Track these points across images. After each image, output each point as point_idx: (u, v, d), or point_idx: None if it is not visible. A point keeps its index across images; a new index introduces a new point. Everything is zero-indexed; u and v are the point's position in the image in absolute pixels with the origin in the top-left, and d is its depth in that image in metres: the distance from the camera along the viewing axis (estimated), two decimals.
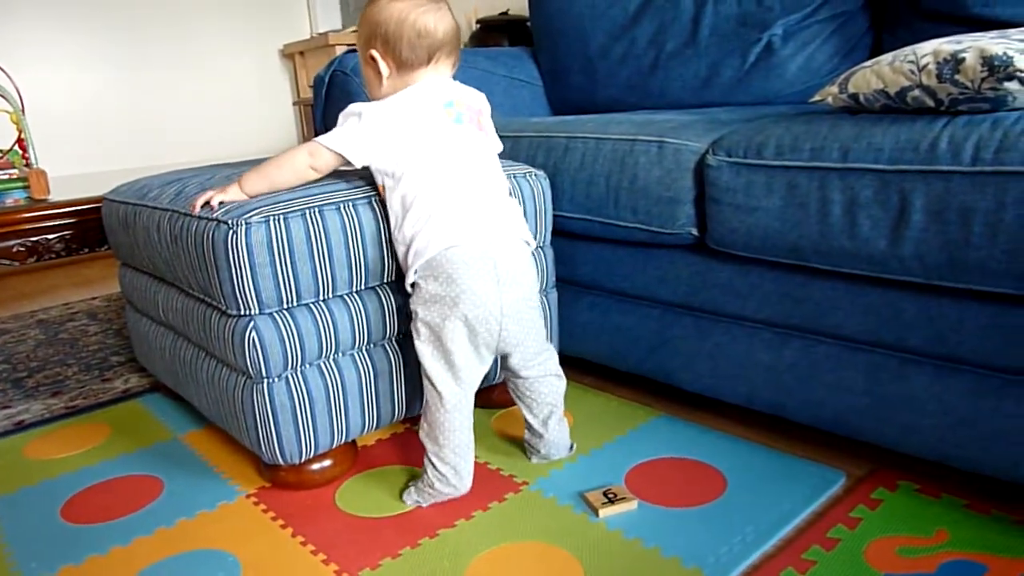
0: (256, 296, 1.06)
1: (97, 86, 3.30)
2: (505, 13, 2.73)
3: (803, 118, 1.15)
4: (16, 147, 1.77)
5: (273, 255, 1.05)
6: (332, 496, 1.19)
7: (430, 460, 1.12)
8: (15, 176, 1.86)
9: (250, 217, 1.04)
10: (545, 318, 1.40)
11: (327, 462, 1.20)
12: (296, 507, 1.16)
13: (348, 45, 3.51)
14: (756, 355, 1.23)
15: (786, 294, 1.16)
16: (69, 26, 3.21)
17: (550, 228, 1.39)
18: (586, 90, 2.07)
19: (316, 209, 1.09)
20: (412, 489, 1.16)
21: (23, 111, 1.70)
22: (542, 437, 1.22)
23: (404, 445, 1.34)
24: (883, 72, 1.04)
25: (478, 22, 2.77)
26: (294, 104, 3.92)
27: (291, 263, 1.06)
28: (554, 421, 1.22)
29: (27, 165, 1.77)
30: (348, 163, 1.11)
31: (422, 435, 1.13)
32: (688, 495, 1.13)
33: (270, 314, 1.08)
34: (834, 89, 1.11)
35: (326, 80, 1.96)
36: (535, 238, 1.36)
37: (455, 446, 1.10)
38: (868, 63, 1.07)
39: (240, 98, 3.70)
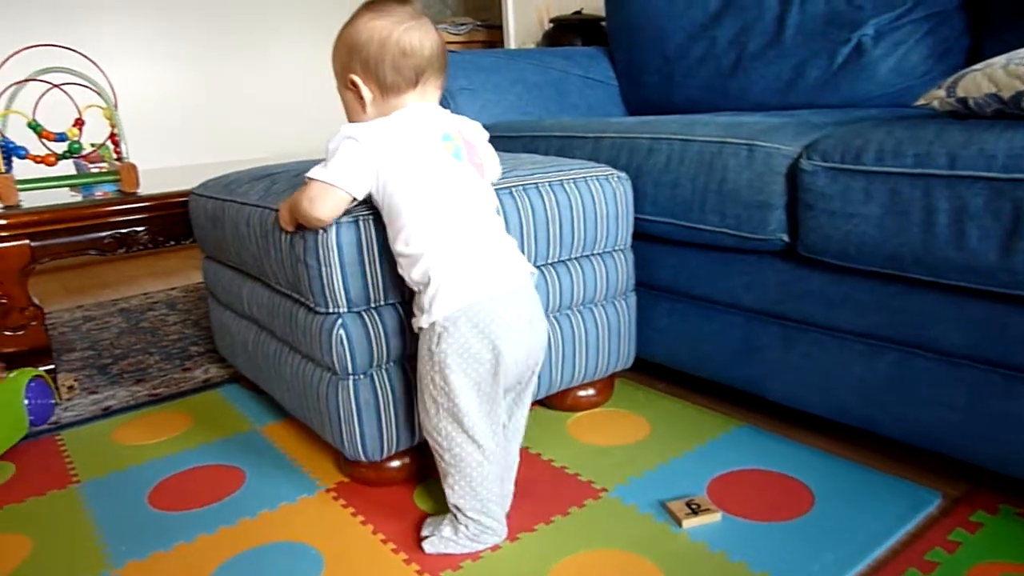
0: (345, 294, 1.06)
1: (179, 81, 3.40)
2: (579, 12, 2.71)
3: (905, 122, 1.10)
4: (108, 142, 1.83)
5: (362, 254, 1.05)
6: (411, 494, 1.19)
7: (470, 518, 1.02)
8: (105, 169, 1.92)
9: (340, 216, 1.04)
10: (621, 323, 1.39)
11: (406, 459, 1.20)
12: (375, 504, 1.17)
13: None
14: (847, 367, 1.18)
15: (882, 305, 1.12)
16: (157, 22, 3.31)
17: (631, 231, 1.37)
18: (663, 90, 2.04)
19: None
20: (436, 540, 1.04)
21: (116, 106, 1.76)
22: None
23: None
24: (996, 75, 0.99)
25: (551, 21, 2.76)
26: None
27: (379, 262, 1.07)
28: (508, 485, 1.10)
29: (118, 159, 1.83)
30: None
31: (455, 498, 1.02)
32: (774, 509, 1.09)
33: (358, 312, 1.09)
34: (941, 93, 1.07)
35: None
36: (616, 241, 1.34)
37: (498, 496, 1.03)
38: (979, 66, 1.03)
39: (313, 92, 3.75)
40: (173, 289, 2.70)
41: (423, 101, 1.05)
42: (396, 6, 1.03)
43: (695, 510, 1.08)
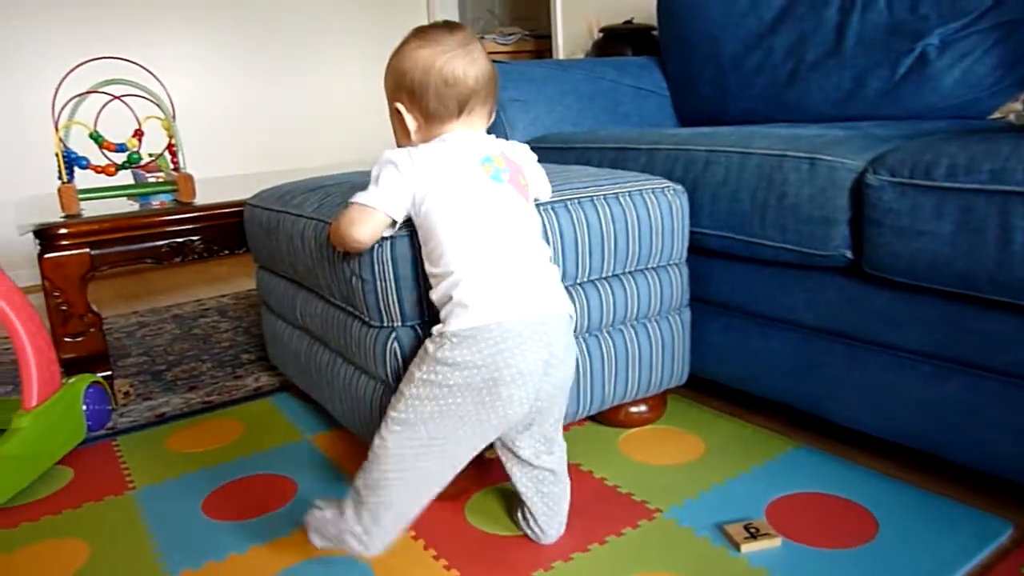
0: (399, 309, 1.06)
1: (234, 93, 3.47)
2: (629, 22, 2.69)
3: (977, 136, 1.06)
4: (166, 152, 1.87)
5: (417, 269, 1.05)
6: (462, 510, 1.18)
7: (358, 510, 0.96)
8: (162, 179, 1.96)
9: (397, 231, 1.04)
10: (675, 339, 1.36)
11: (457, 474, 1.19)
12: (427, 519, 1.16)
13: None
14: (913, 388, 1.14)
15: (952, 325, 1.08)
16: (214, 36, 3.39)
17: (686, 245, 1.35)
18: (717, 101, 2.01)
19: None
20: (316, 515, 1.01)
21: (174, 117, 1.79)
22: (543, 531, 1.08)
23: None
24: None
25: (601, 31, 2.74)
26: None
27: None
28: (557, 523, 1.08)
29: (175, 169, 1.86)
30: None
31: (359, 483, 0.97)
32: (836, 535, 1.06)
33: (411, 326, 1.08)
34: (1017, 106, 1.03)
35: None
36: (672, 255, 1.32)
37: (400, 515, 0.97)
38: None
39: (363, 103, 3.79)
40: (224, 296, 2.74)
41: (468, 129, 1.03)
42: (444, 33, 1.02)
43: (754, 534, 1.05)
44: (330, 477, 1.31)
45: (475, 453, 0.98)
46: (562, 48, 3.20)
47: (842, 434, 1.34)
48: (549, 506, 1.07)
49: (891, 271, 1.10)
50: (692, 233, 1.36)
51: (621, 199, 1.23)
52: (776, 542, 1.04)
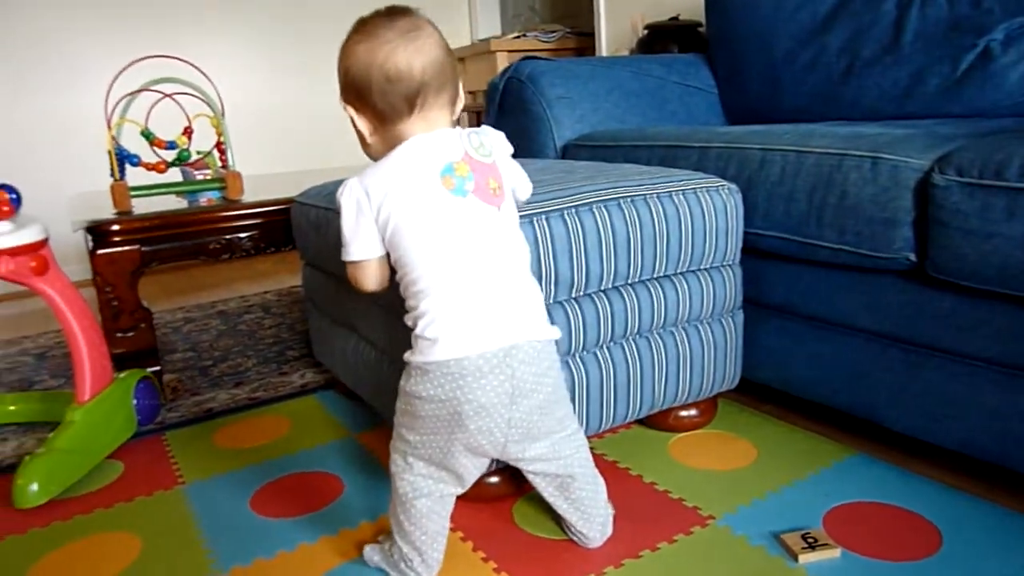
0: None
1: (281, 91, 3.50)
2: (675, 18, 2.65)
3: None
4: (215, 150, 1.88)
5: None
6: (510, 511, 1.17)
7: (396, 543, 1.00)
8: (209, 176, 1.98)
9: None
10: (727, 341, 1.33)
11: (504, 476, 1.18)
12: (474, 520, 1.15)
13: (508, 51, 3.54)
14: (978, 396, 1.10)
15: (1023, 331, 1.04)
16: (261, 35, 3.42)
17: (740, 245, 1.32)
18: (767, 98, 1.97)
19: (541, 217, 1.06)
20: (377, 548, 1.05)
21: (223, 114, 1.80)
22: (584, 535, 1.06)
23: None
24: None
25: (646, 28, 2.71)
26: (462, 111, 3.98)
27: None
28: (597, 525, 1.05)
29: (223, 167, 1.88)
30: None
31: (391, 518, 1.00)
32: (898, 547, 1.02)
33: None
34: None
35: (500, 87, 1.96)
36: (725, 256, 1.29)
37: (432, 533, 0.98)
38: None
39: None
40: (267, 292, 2.76)
41: (428, 125, 0.94)
42: (383, 23, 0.92)
43: (812, 544, 1.02)
44: (376, 475, 1.31)
45: (478, 470, 0.98)
46: (605, 46, 3.17)
47: (900, 442, 1.30)
48: (581, 511, 1.04)
49: (957, 275, 1.06)
50: (746, 233, 1.33)
51: (675, 197, 1.21)
52: (835, 553, 1.01)
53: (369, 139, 0.97)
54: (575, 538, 1.07)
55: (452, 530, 1.12)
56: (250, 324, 2.33)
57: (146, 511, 1.25)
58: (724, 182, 1.29)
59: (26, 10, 3.00)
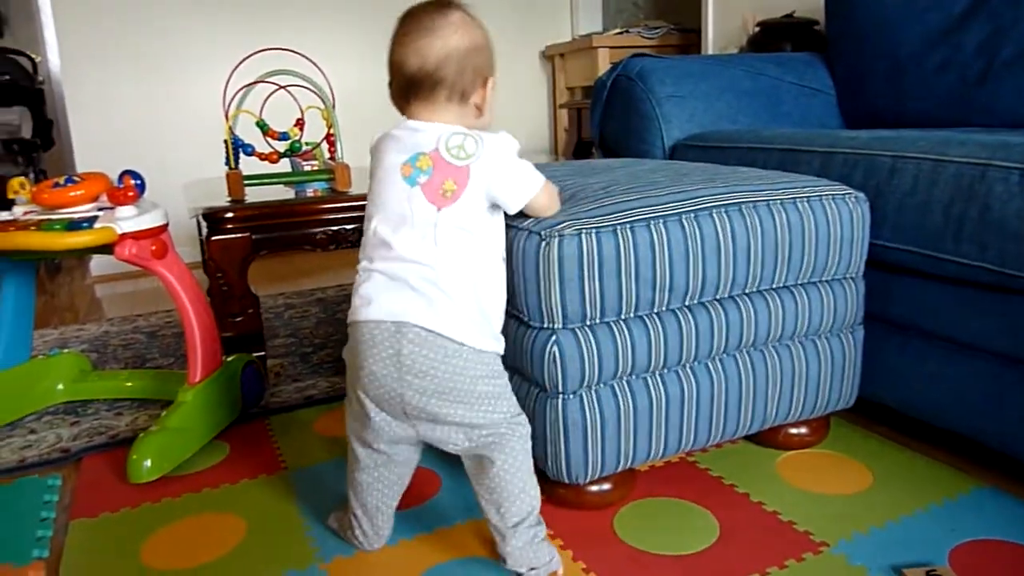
0: (561, 310, 1.03)
1: (379, 83, 3.56)
2: (790, 15, 2.54)
3: None
4: (324, 142, 1.92)
5: (582, 270, 1.01)
6: (610, 522, 1.14)
7: (351, 508, 1.08)
8: (316, 168, 2.02)
9: (563, 230, 1.01)
10: (846, 358, 1.26)
11: (607, 486, 1.15)
12: (574, 528, 1.13)
13: (610, 47, 3.49)
14: None
15: None
16: (371, 27, 3.48)
17: (864, 258, 1.24)
18: (890, 101, 1.86)
19: (628, 226, 1.04)
20: (338, 514, 1.14)
21: (334, 106, 1.83)
22: (503, 539, 1.01)
23: (679, 477, 1.26)
24: None
25: (758, 25, 2.61)
26: (560, 107, 3.95)
27: (599, 279, 1.02)
28: (520, 537, 1.00)
29: (331, 158, 1.91)
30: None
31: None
32: None
33: (572, 329, 1.05)
34: None
35: (608, 85, 1.92)
36: (848, 267, 1.22)
37: (365, 506, 1.06)
38: None
39: (502, 99, 3.78)
40: None
41: (430, 115, 1.01)
42: (412, 15, 1.00)
43: None
44: None
45: (405, 451, 1.05)
46: (712, 43, 3.08)
47: None
48: (494, 500, 1.00)
49: None
50: (871, 245, 1.25)
51: (799, 204, 1.15)
52: None
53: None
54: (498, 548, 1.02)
55: (551, 536, 1.10)
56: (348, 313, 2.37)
57: (251, 494, 1.28)
58: (851, 190, 1.23)
59: (153, 8, 3.14)
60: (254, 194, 1.83)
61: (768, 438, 1.32)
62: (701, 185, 1.15)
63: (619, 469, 1.13)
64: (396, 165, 0.98)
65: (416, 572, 1.04)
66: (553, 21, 4.00)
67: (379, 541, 1.08)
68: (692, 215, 1.07)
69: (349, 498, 1.08)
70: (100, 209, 1.42)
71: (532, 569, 1.00)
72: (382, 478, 1.05)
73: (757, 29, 2.62)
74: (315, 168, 2.02)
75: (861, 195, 1.23)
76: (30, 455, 1.46)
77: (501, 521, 1.00)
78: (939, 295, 1.22)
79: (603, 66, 3.42)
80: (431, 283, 0.94)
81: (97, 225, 1.35)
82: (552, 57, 3.93)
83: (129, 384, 1.73)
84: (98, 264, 3.24)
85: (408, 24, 0.99)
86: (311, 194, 1.86)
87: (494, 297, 1.01)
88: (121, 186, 1.42)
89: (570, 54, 3.78)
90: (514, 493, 0.99)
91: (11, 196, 1.47)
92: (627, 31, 3.56)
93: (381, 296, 0.95)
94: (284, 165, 2.11)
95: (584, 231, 1.01)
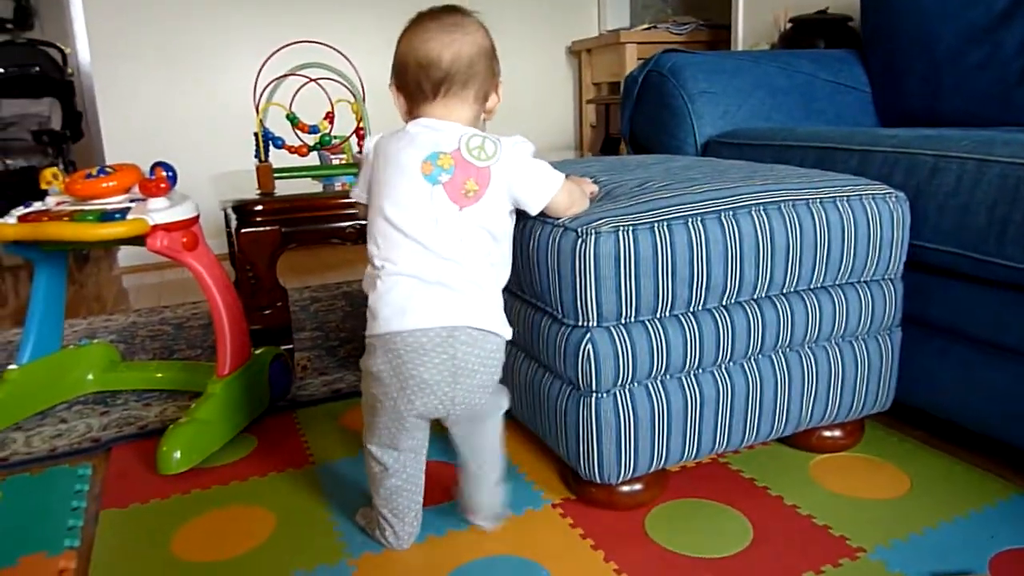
0: (596, 308, 1.02)
1: None
2: (824, 11, 2.51)
3: None
4: (354, 135, 1.91)
5: (619, 267, 1.00)
6: (642, 522, 1.12)
7: (375, 508, 1.08)
8: (344, 162, 2.02)
9: (600, 227, 1.00)
10: (883, 361, 1.24)
11: (639, 486, 1.14)
12: (605, 528, 1.12)
13: (638, 43, 3.46)
14: None
15: None
16: (403, 16, 3.47)
17: (903, 259, 1.22)
18: (927, 99, 1.83)
19: (665, 223, 1.02)
20: (366, 512, 1.14)
21: (364, 100, 1.83)
22: (489, 493, 1.11)
23: (712, 478, 1.25)
24: None
25: (790, 21, 2.58)
26: (587, 103, 3.92)
27: (635, 277, 1.01)
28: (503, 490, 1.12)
29: (360, 152, 1.90)
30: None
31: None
32: None
33: (607, 328, 1.03)
34: None
35: (640, 80, 1.90)
36: (888, 268, 1.20)
37: (396, 509, 1.06)
38: None
39: (528, 95, 3.79)
40: None
41: (447, 113, 1.01)
42: (431, 16, 1.02)
43: None
44: (507, 471, 1.29)
45: (424, 438, 1.06)
46: (742, 40, 3.04)
47: None
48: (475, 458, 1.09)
49: None
50: (911, 246, 1.23)
51: (839, 203, 1.13)
52: None
53: (403, 116, 1.05)
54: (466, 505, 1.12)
55: (581, 536, 1.09)
56: None
57: (279, 488, 1.28)
58: (891, 190, 1.20)
59: (183, 1, 3.15)
60: (282, 187, 1.84)
61: (801, 440, 1.30)
62: (739, 183, 1.13)
63: (652, 470, 1.12)
64: (415, 162, 0.97)
65: (445, 570, 1.04)
66: (579, 16, 3.97)
67: (410, 540, 1.09)
68: (731, 213, 1.06)
69: (376, 505, 1.08)
70: (132, 200, 1.42)
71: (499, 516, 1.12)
72: (411, 477, 1.06)
73: (789, 25, 2.58)
74: (344, 162, 2.02)
75: (902, 195, 1.21)
76: (60, 444, 1.48)
77: (492, 474, 1.10)
78: (980, 298, 1.19)
79: (631, 62, 3.39)
80: (469, 281, 0.96)
81: (129, 216, 1.35)
82: (578, 52, 3.90)
83: (159, 375, 1.74)
84: (125, 255, 3.27)
85: (429, 22, 1.01)
86: (339, 188, 1.86)
87: (502, 286, 1.04)
88: (153, 178, 1.42)
89: (597, 49, 3.75)
90: (498, 449, 1.09)
91: (44, 186, 1.48)
92: (655, 27, 3.53)
93: (419, 302, 0.94)
94: (312, 158, 2.12)
95: (621, 228, 1.00)
